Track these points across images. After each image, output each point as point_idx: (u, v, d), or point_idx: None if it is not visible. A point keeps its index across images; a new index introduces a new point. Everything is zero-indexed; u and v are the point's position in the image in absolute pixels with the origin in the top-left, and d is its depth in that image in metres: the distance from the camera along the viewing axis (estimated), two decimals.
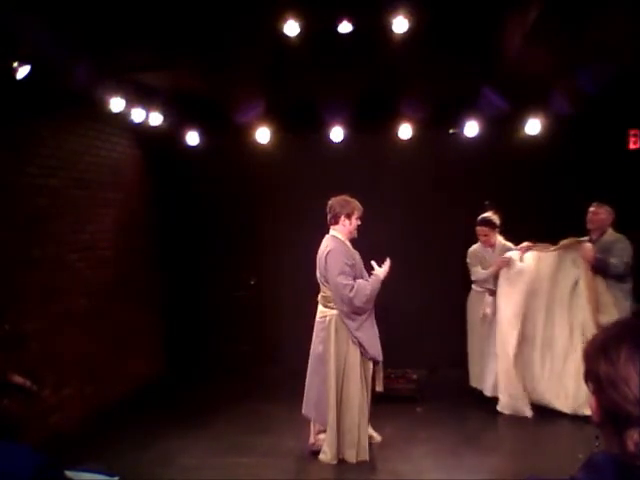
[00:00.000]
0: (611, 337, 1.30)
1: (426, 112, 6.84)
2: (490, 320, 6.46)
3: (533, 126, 7.04)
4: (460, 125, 7.32)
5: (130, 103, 6.45)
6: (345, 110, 7.03)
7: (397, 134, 7.37)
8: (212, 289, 8.40)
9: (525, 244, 6.36)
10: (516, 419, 6.18)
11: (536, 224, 7.67)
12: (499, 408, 6.28)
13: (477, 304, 6.68)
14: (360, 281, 5.22)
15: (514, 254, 6.33)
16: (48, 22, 4.49)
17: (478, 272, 6.59)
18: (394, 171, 7.84)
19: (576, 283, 6.14)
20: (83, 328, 6.51)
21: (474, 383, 6.76)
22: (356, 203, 5.37)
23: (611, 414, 1.26)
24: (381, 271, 5.29)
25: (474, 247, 6.71)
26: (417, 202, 7.80)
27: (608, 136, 7.30)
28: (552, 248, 6.26)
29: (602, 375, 1.26)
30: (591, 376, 1.30)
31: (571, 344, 6.12)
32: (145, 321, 7.92)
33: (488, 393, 6.47)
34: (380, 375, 5.41)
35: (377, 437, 5.50)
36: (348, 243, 5.38)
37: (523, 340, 6.27)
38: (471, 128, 7.25)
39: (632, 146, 7.20)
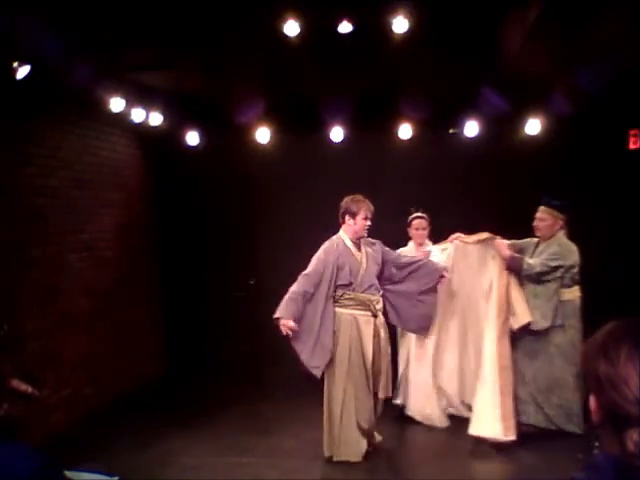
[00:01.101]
0: (611, 337, 1.30)
1: (426, 112, 6.84)
2: None
3: (533, 126, 7.03)
4: (460, 125, 7.31)
5: (130, 103, 6.46)
6: (345, 110, 7.03)
7: (397, 134, 7.37)
8: (212, 289, 8.40)
9: (455, 235, 5.94)
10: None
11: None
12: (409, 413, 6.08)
13: None
14: (295, 297, 5.24)
15: (433, 248, 6.09)
16: (48, 22, 4.49)
17: None
18: (394, 171, 7.84)
19: (491, 286, 5.61)
20: (83, 328, 6.51)
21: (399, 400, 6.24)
22: (364, 203, 5.36)
23: (611, 414, 1.26)
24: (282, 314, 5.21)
25: (402, 250, 6.26)
26: (417, 202, 7.79)
27: (608, 136, 7.30)
28: (472, 240, 5.79)
29: (602, 375, 1.26)
30: (591, 376, 1.30)
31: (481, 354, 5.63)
32: (145, 321, 7.93)
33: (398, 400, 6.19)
34: (381, 378, 5.28)
35: (377, 437, 5.49)
36: (349, 243, 5.37)
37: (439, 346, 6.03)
38: (471, 128, 7.25)
39: (632, 146, 7.19)
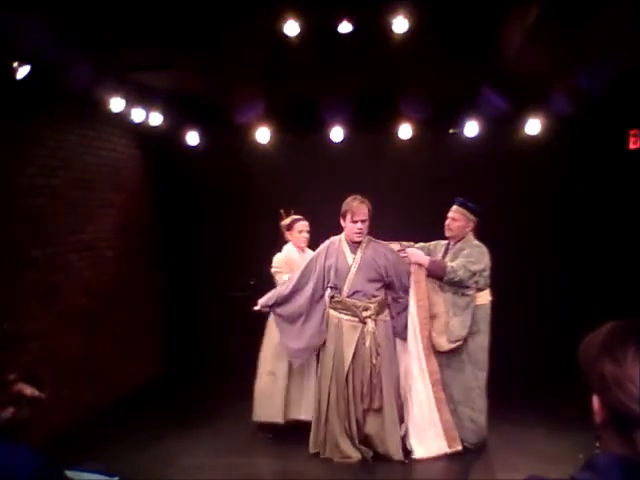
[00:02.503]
0: (614, 337, 1.29)
1: (426, 112, 6.84)
2: None
3: (533, 126, 7.02)
4: (460, 125, 7.31)
5: (130, 103, 6.46)
6: (345, 110, 7.03)
7: (397, 134, 7.37)
8: (211, 289, 8.40)
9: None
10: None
11: (536, 224, 7.68)
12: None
13: None
14: (280, 289, 5.47)
15: None
16: (48, 22, 4.49)
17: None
18: (394, 171, 7.83)
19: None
20: (83, 328, 6.51)
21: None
22: (352, 204, 5.23)
23: (617, 414, 1.25)
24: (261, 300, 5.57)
25: (284, 254, 5.97)
26: (417, 202, 7.80)
27: (608, 136, 7.30)
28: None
29: (607, 375, 1.26)
30: (593, 377, 1.29)
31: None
32: (145, 321, 7.92)
33: None
34: (365, 390, 5.12)
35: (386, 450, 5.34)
36: (345, 245, 5.30)
37: None
38: (471, 128, 7.24)
39: (632, 146, 7.19)
